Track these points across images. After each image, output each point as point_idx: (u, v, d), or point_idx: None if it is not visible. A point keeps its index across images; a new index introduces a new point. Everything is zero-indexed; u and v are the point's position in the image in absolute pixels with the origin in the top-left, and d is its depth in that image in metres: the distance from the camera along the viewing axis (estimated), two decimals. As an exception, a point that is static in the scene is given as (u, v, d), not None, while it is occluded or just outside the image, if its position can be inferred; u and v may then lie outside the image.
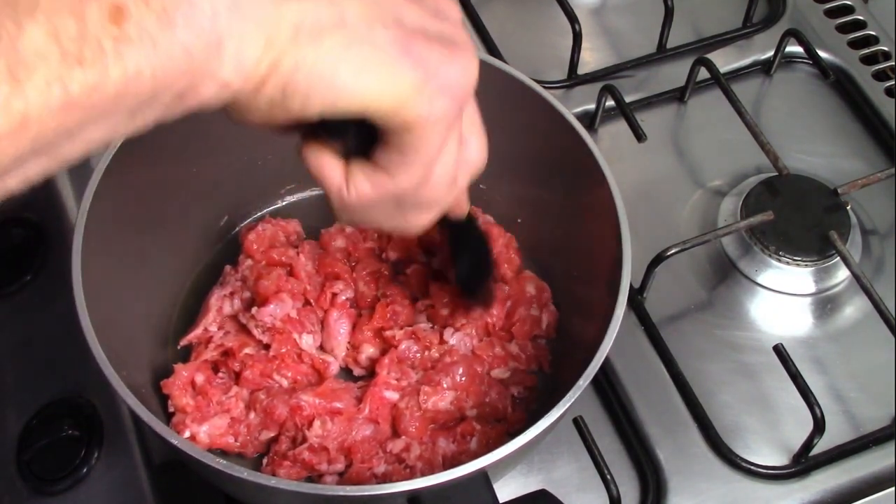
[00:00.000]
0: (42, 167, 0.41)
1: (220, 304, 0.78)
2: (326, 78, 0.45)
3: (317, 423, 0.72)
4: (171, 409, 0.72)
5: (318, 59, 0.45)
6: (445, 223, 0.64)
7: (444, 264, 0.80)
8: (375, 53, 0.46)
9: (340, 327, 0.78)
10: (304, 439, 0.72)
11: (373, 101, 0.47)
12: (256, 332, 0.76)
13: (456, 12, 0.52)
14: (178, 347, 0.77)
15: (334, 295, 0.79)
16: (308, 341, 0.77)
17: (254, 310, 0.76)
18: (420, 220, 0.57)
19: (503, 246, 0.82)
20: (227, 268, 0.81)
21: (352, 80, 0.46)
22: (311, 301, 0.79)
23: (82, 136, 0.40)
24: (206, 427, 0.72)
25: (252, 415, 0.73)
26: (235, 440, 0.73)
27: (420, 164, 0.51)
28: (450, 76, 0.49)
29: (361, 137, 0.51)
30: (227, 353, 0.76)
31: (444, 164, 0.52)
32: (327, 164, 0.53)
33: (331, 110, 0.47)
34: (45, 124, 0.38)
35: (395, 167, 0.51)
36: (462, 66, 0.49)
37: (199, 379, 0.74)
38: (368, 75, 0.46)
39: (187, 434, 0.71)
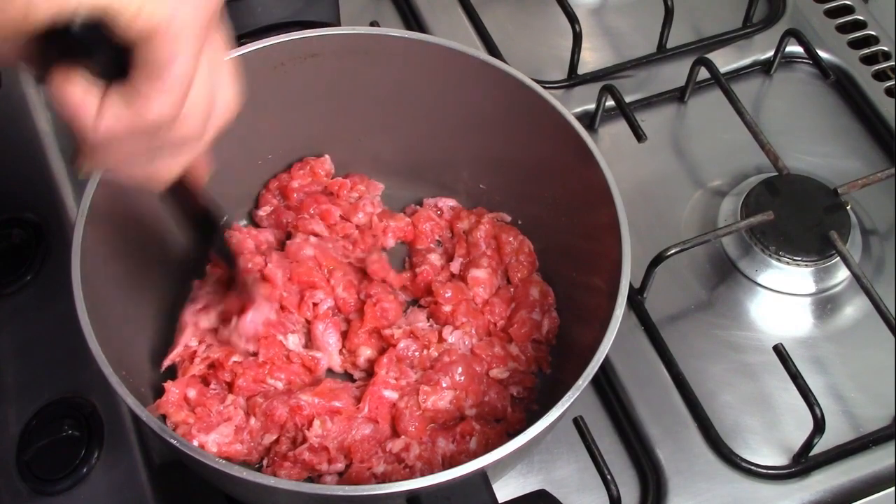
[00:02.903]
0: None
1: (196, 319, 0.77)
2: None
3: (316, 423, 0.72)
4: (171, 426, 0.71)
5: None
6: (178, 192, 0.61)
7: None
8: None
9: (329, 338, 0.78)
10: (304, 440, 0.72)
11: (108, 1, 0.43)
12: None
13: None
14: (162, 370, 0.76)
15: (315, 305, 0.79)
16: (294, 341, 0.77)
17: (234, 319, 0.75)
18: (172, 166, 0.54)
19: (515, 250, 0.82)
20: (196, 282, 0.79)
21: None
22: (291, 309, 0.78)
23: None
24: (215, 436, 0.72)
25: (252, 420, 0.73)
26: (242, 447, 0.73)
27: (173, 85, 0.48)
28: None
29: (115, 65, 0.47)
30: (215, 365, 0.75)
31: (198, 92, 0.49)
32: (77, 90, 0.47)
33: (59, 11, 0.43)
34: None
35: (148, 87, 0.47)
36: None
37: (192, 394, 0.73)
38: None
39: (195, 444, 0.70)
